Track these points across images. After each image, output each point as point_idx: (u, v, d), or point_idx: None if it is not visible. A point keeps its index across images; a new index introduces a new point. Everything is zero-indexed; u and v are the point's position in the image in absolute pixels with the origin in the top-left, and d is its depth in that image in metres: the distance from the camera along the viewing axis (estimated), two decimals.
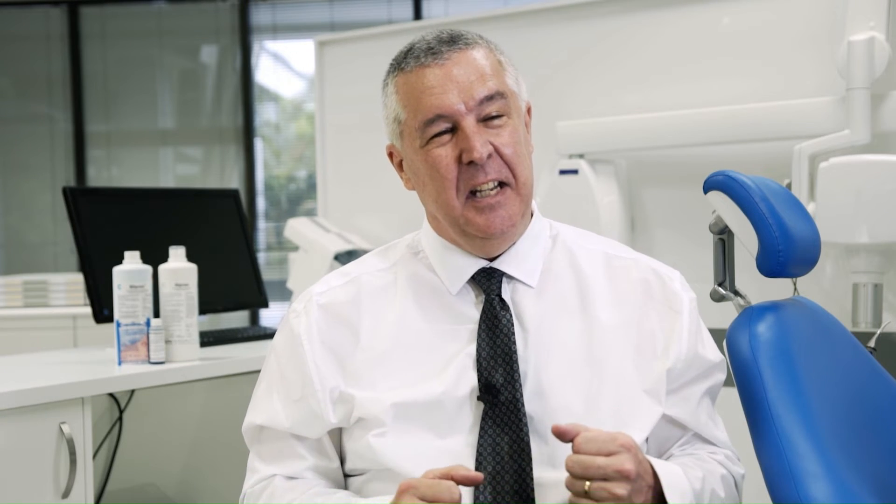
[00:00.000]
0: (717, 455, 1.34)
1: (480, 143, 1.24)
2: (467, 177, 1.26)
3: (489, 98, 1.26)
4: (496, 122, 1.27)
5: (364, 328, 1.31)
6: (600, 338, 1.29)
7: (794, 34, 2.51)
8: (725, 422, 1.43)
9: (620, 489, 1.12)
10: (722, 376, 1.37)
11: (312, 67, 3.51)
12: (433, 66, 1.26)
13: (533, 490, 1.21)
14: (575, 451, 1.13)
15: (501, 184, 1.27)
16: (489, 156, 1.25)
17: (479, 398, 1.25)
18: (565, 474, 1.17)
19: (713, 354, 1.35)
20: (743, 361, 1.35)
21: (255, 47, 5.77)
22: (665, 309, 1.32)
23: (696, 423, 1.33)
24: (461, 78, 1.25)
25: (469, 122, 1.25)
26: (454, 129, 1.26)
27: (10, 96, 5.90)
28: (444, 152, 1.26)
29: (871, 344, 1.78)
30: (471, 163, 1.25)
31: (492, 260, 1.32)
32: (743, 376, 1.35)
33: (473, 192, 1.26)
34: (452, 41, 1.28)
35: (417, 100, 1.26)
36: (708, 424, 1.34)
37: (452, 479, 1.12)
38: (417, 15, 5.55)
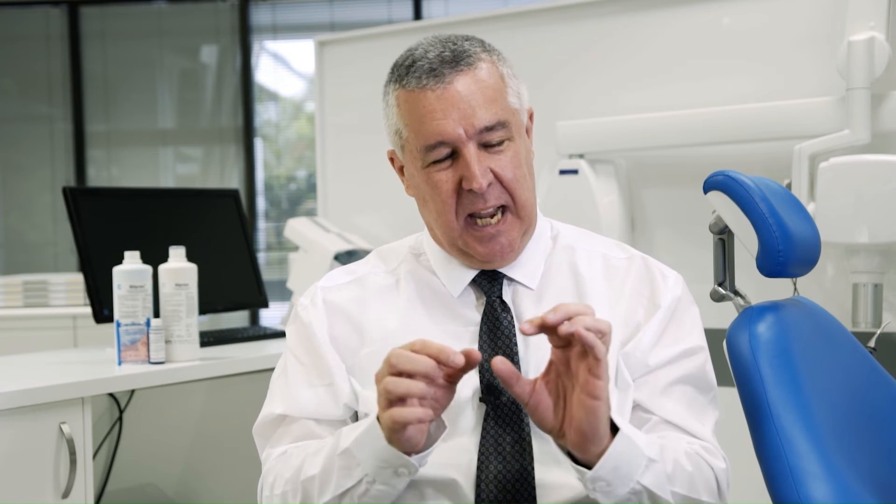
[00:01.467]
0: (693, 444, 1.25)
1: (481, 171, 1.24)
2: (467, 202, 1.27)
3: (490, 128, 1.25)
4: (497, 147, 1.27)
5: (368, 328, 1.32)
6: None
7: (794, 34, 2.51)
8: (725, 422, 1.42)
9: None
10: (700, 358, 1.31)
11: (312, 67, 3.51)
12: (435, 88, 1.25)
13: (535, 489, 1.21)
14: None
15: (502, 207, 1.28)
16: (489, 184, 1.25)
17: (481, 399, 1.25)
18: (567, 473, 1.16)
19: (689, 341, 1.31)
20: (743, 361, 1.35)
21: (255, 47, 5.77)
22: (650, 304, 1.32)
23: (659, 408, 1.27)
24: (463, 103, 1.24)
25: (470, 150, 1.25)
26: (455, 154, 1.26)
27: (11, 96, 5.89)
28: (445, 177, 1.27)
29: (871, 344, 1.79)
30: (471, 189, 1.25)
31: None
32: (743, 376, 1.35)
33: (472, 216, 1.27)
34: (455, 61, 1.26)
35: (419, 122, 1.26)
36: (680, 413, 1.27)
37: (438, 360, 1.07)
38: (417, 15, 5.55)
